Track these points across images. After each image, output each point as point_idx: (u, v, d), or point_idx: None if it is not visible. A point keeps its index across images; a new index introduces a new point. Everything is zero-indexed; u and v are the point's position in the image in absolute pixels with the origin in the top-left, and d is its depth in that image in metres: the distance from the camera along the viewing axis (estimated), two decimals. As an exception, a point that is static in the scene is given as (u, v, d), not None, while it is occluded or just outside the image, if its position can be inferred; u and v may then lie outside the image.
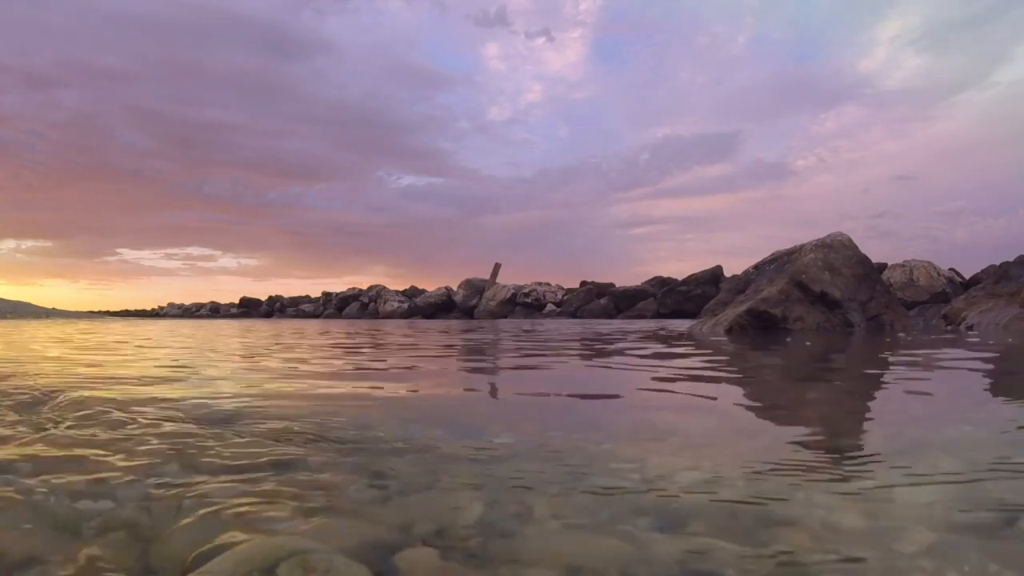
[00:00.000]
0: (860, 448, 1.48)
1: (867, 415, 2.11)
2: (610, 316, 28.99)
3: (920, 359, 4.28)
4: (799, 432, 1.70)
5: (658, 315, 27.48)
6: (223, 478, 1.26)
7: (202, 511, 1.06)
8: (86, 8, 61.71)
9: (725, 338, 7.54)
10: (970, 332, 8.75)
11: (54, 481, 1.24)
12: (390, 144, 78.57)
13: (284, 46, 69.16)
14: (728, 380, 3.18)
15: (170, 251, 76.21)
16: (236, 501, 1.11)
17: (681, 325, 13.48)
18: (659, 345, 6.05)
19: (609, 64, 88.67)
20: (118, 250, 75.71)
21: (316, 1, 67.42)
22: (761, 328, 9.46)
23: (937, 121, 65.44)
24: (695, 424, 1.83)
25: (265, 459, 1.40)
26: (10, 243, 70.70)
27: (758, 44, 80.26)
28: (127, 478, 1.27)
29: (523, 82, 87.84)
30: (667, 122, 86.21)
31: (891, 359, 4.35)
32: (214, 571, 0.83)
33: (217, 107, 70.98)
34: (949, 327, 10.81)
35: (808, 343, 6.21)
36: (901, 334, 8.16)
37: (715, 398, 2.53)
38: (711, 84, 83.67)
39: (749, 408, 2.19)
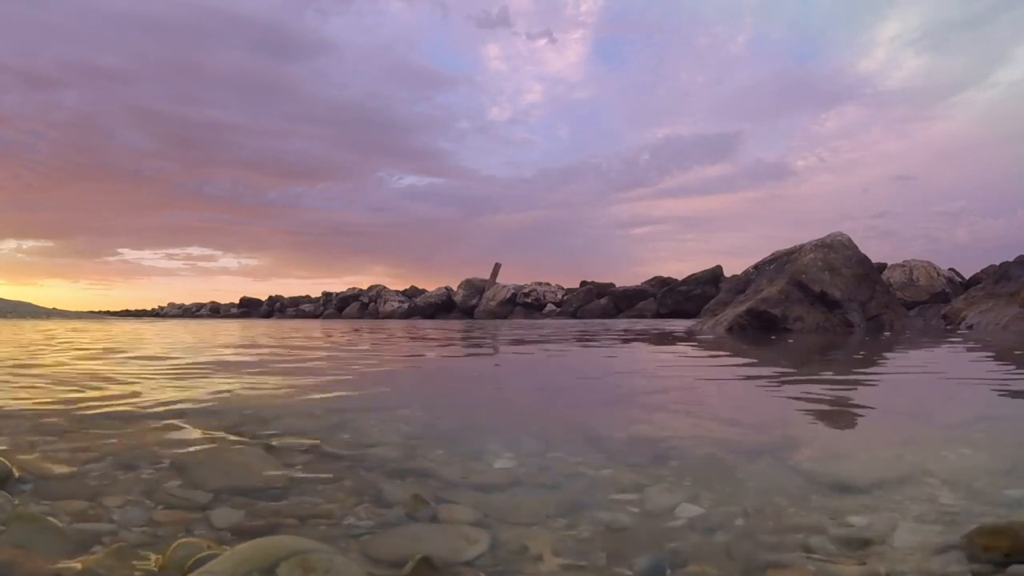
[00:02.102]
0: (859, 478, 1.47)
1: (866, 435, 2.11)
2: (610, 316, 28.98)
3: (919, 364, 4.28)
4: (797, 455, 1.70)
5: (658, 315, 27.46)
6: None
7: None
8: (86, 8, 61.58)
9: (711, 337, 7.53)
10: (964, 332, 8.75)
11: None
12: (391, 144, 78.46)
13: (284, 46, 69.10)
14: (721, 391, 3.18)
15: (171, 251, 76.05)
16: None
17: (681, 325, 13.47)
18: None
19: (609, 64, 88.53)
20: (119, 250, 75.55)
21: (318, 2, 67.33)
22: (761, 328, 9.46)
23: (937, 121, 65.32)
24: (691, 446, 1.83)
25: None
26: (11, 243, 70.61)
27: (758, 44, 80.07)
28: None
29: (523, 82, 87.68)
30: (667, 122, 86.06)
31: (890, 364, 4.35)
32: (214, 571, 0.83)
33: (217, 107, 70.85)
34: (949, 327, 10.81)
35: (790, 341, 6.20)
36: (886, 333, 8.16)
37: (709, 411, 2.53)
38: (711, 84, 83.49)
39: (746, 420, 2.18)
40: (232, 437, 1.88)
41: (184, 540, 1.00)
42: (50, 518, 1.17)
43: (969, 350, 5.59)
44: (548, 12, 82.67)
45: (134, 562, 0.97)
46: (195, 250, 76.60)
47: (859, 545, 1.05)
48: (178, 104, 69.79)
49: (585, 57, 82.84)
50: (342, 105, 71.45)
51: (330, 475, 1.48)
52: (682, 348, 6.19)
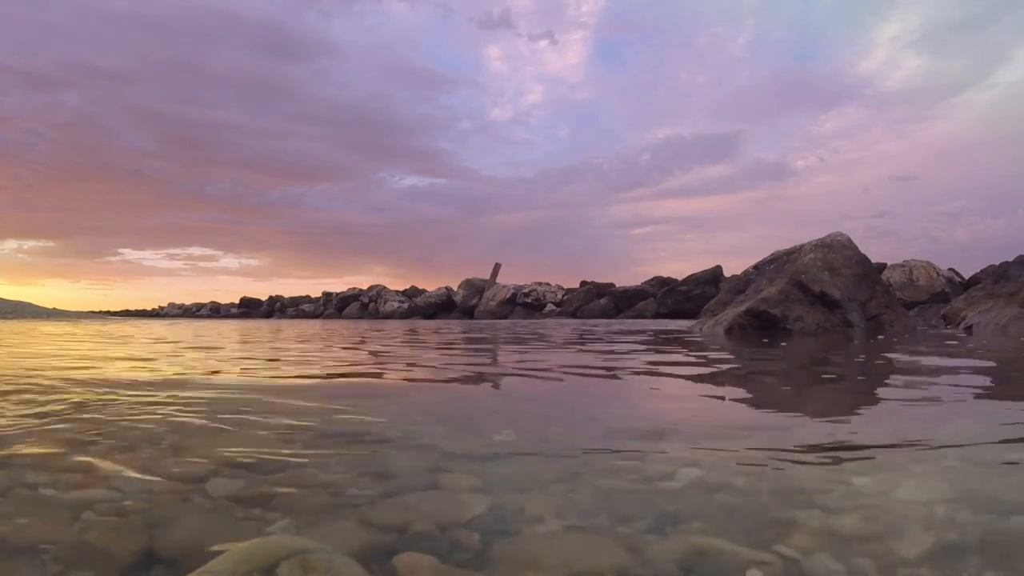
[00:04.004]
0: (862, 446, 1.48)
1: (869, 413, 2.12)
2: (610, 316, 28.99)
3: (918, 358, 4.28)
4: (799, 430, 1.70)
5: (658, 315, 27.48)
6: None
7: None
8: (87, 8, 61.64)
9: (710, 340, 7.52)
10: (962, 332, 8.75)
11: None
12: (392, 144, 78.53)
13: (286, 47, 69.16)
14: (726, 377, 3.19)
15: (172, 251, 76.03)
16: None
17: (680, 325, 13.48)
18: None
19: (610, 65, 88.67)
20: (120, 250, 75.56)
21: (320, 3, 67.36)
22: (761, 328, 9.46)
23: (937, 122, 65.41)
24: (693, 420, 1.83)
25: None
26: (11, 243, 70.64)
27: (758, 45, 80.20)
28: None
29: (524, 83, 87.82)
30: (668, 122, 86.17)
31: (890, 358, 4.36)
32: (214, 571, 0.83)
33: (219, 107, 70.88)
34: (948, 327, 10.81)
35: (783, 344, 6.20)
36: (879, 337, 8.15)
37: (714, 396, 2.54)
38: (711, 84, 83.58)
39: (747, 405, 2.19)
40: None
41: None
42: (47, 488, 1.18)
43: (969, 350, 5.60)
44: (549, 13, 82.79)
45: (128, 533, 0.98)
46: (196, 250, 76.66)
47: (863, 499, 1.05)
48: (179, 104, 69.85)
49: (586, 58, 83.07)
50: (343, 105, 71.58)
51: (330, 450, 1.48)
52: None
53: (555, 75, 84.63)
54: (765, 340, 7.03)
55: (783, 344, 6.06)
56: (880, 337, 8.23)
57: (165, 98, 69.18)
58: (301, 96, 71.16)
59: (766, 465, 1.30)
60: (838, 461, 1.31)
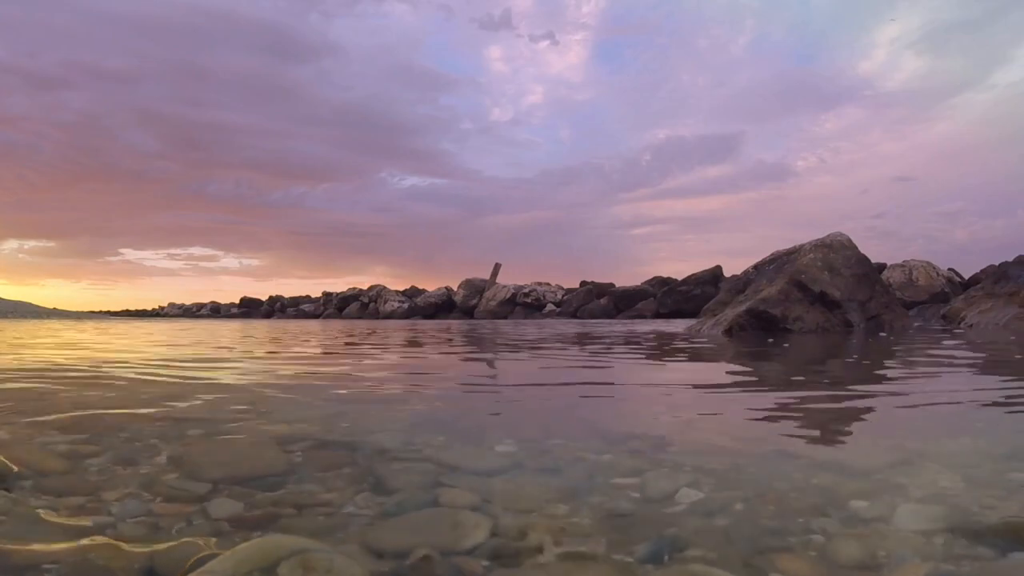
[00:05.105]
0: (858, 464, 1.47)
1: (865, 424, 2.11)
2: (610, 316, 29.00)
3: (918, 361, 4.28)
4: (797, 443, 1.70)
5: (658, 315, 27.48)
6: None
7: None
8: (92, 10, 61.73)
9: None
10: (960, 332, 8.75)
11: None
12: (394, 145, 78.74)
13: (289, 49, 69.28)
14: (725, 385, 3.19)
15: (173, 251, 76.28)
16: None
17: (680, 325, 13.48)
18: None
19: (611, 66, 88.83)
20: (121, 250, 75.79)
21: (323, 4, 67.44)
22: (761, 328, 9.46)
23: (936, 122, 65.61)
24: (691, 434, 1.83)
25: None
26: (12, 243, 70.79)
27: (759, 46, 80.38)
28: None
29: (525, 84, 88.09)
30: (668, 123, 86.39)
31: (889, 362, 4.36)
32: (215, 571, 0.83)
33: (222, 109, 71.05)
34: (948, 327, 10.81)
35: (785, 344, 6.19)
36: (882, 334, 8.16)
37: (714, 404, 2.53)
38: (712, 86, 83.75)
39: (746, 417, 2.19)
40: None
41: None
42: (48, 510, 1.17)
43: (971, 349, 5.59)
44: (550, 14, 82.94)
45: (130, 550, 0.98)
46: (197, 250, 76.86)
47: (860, 527, 1.05)
48: (183, 105, 70.04)
49: (587, 59, 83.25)
50: (346, 107, 71.71)
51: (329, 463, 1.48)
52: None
53: (556, 76, 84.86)
54: (770, 340, 7.03)
55: (785, 345, 6.06)
56: (882, 334, 8.24)
57: (168, 99, 69.37)
58: (303, 97, 71.36)
59: (765, 485, 1.29)
60: (836, 483, 1.31)
